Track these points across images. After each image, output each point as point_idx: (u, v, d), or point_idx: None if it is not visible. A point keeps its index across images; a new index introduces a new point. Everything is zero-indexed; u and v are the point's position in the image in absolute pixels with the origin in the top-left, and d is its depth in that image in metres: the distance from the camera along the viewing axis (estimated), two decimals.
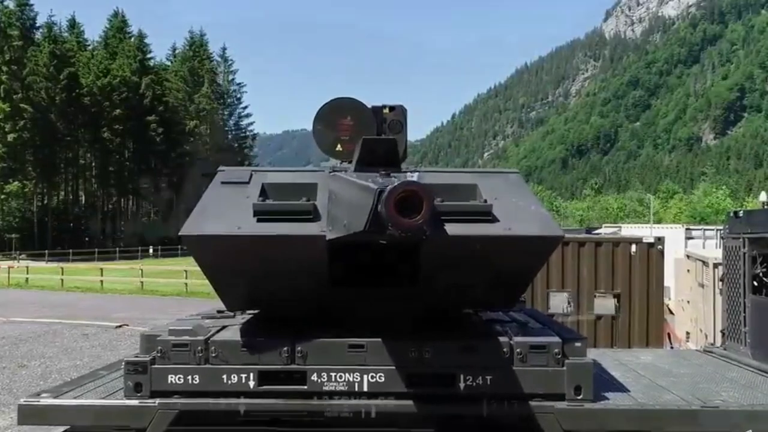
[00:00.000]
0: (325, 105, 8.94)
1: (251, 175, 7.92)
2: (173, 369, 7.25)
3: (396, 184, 5.55)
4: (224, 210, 7.34)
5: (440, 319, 7.99)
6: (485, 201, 7.43)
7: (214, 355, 7.28)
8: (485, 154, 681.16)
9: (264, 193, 7.63)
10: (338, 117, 8.76)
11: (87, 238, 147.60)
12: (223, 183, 7.82)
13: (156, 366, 7.24)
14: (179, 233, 7.08)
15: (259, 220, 7.21)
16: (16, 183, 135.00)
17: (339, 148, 8.67)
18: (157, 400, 7.15)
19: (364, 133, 8.24)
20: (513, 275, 7.55)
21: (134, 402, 7.17)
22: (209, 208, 7.42)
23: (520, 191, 7.79)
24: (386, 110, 8.90)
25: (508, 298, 7.86)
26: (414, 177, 6.60)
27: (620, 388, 8.08)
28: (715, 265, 20.15)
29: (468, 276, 7.43)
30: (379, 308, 7.66)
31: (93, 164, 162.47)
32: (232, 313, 8.56)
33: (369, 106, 8.92)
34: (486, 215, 7.25)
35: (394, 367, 7.21)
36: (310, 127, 8.51)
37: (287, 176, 7.96)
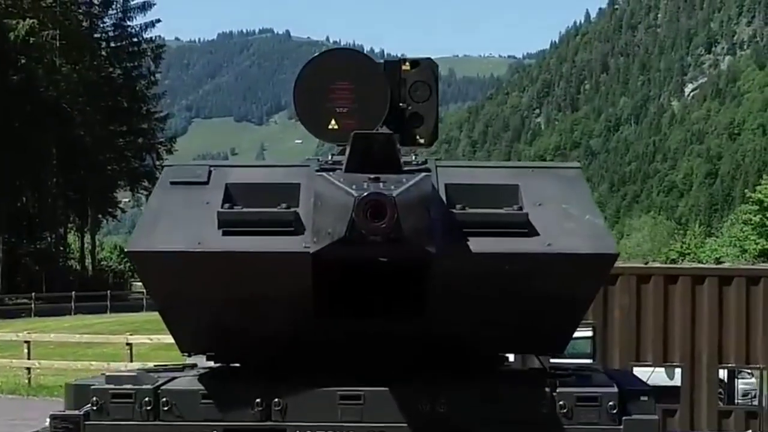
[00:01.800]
0: (311, 61, 7.36)
1: (210, 173, 6.66)
2: (113, 427, 6.34)
3: (365, 194, 5.59)
4: (180, 219, 6.38)
5: (458, 360, 6.89)
6: (520, 208, 6.39)
7: (166, 408, 6.38)
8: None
9: (229, 196, 6.48)
10: (332, 78, 7.17)
11: None
12: (173, 184, 6.64)
13: (91, 422, 6.33)
14: (126, 249, 6.36)
15: (225, 233, 6.28)
16: None
17: (334, 125, 7.17)
18: None
19: (372, 102, 7.11)
20: (554, 307, 6.52)
21: None
22: (161, 216, 6.45)
23: (576, 194, 6.63)
24: (406, 66, 7.34)
25: (548, 338, 6.88)
26: (416, 178, 5.90)
27: None
28: None
29: (492, 306, 6.49)
30: (378, 346, 6.67)
31: None
32: (186, 360, 7.53)
33: (380, 59, 7.45)
34: (520, 226, 6.27)
35: (399, 424, 6.32)
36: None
37: (260, 174, 6.81)
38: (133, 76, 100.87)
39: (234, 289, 6.41)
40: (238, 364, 7.16)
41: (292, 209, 6.34)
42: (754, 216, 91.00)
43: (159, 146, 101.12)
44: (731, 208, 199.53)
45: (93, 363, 31.79)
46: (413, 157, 6.85)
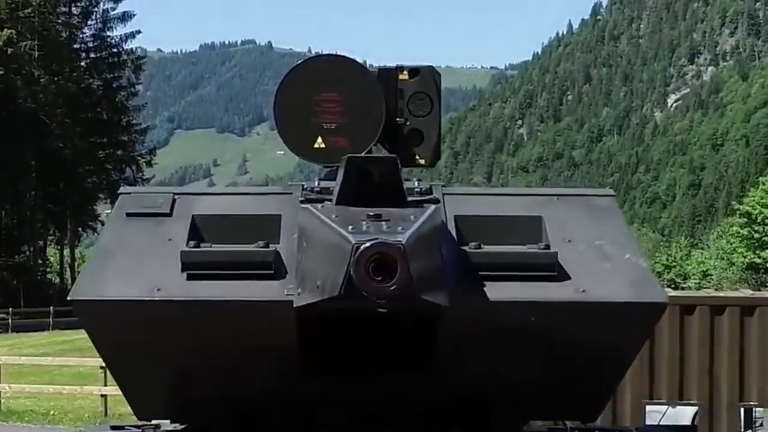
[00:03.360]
0: (294, 69, 6.37)
1: (173, 202, 5.74)
2: None
3: (368, 244, 4.42)
4: (136, 260, 5.44)
5: (470, 425, 5.83)
6: (547, 246, 5.46)
7: None
8: None
9: (196, 231, 5.56)
10: (318, 89, 6.19)
11: None
12: (129, 215, 5.70)
13: None
14: (68, 297, 5.28)
15: (190, 277, 5.33)
16: None
17: (320, 143, 6.22)
18: None
19: (365, 116, 6.19)
20: (589, 366, 5.55)
21: None
22: (114, 256, 5.50)
23: (612, 228, 5.69)
24: (404, 75, 6.39)
25: (581, 403, 5.83)
26: (427, 212, 4.89)
27: None
28: None
29: (514, 363, 5.51)
30: (376, 407, 5.75)
31: None
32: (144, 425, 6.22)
33: (373, 67, 6.53)
34: (547, 269, 5.32)
35: None
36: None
37: (232, 203, 5.86)
38: (113, 87, 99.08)
39: (202, 345, 5.45)
40: (207, 427, 6.07)
41: (272, 247, 5.38)
42: (742, 228, 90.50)
43: (139, 158, 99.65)
44: (714, 219, 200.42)
45: (66, 387, 31.02)
46: (415, 183, 5.86)
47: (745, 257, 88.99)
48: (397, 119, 6.32)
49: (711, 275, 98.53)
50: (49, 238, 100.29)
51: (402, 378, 5.68)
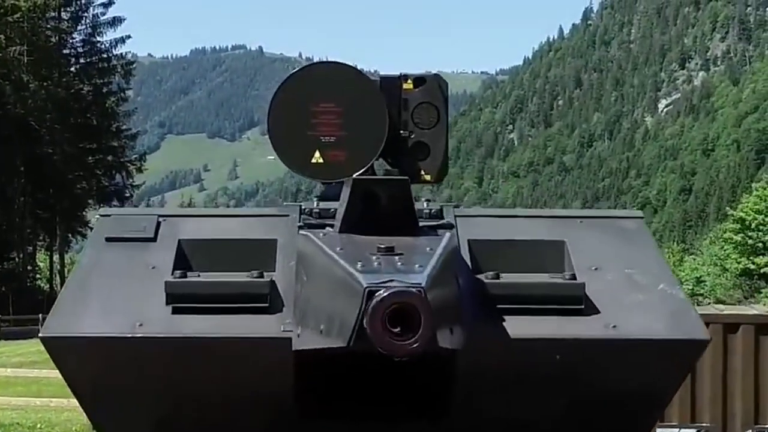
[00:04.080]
0: (290, 77, 5.88)
1: (158, 225, 5.28)
2: None
3: (384, 293, 3.81)
4: (116, 291, 4.94)
5: None
6: (573, 276, 4.98)
7: None
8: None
9: (182, 258, 5.11)
10: (316, 99, 5.69)
11: None
12: (109, 240, 5.22)
13: None
14: (39, 333, 4.84)
15: (175, 311, 4.82)
16: None
17: (318, 158, 5.72)
18: None
19: (366, 129, 5.71)
20: (620, 408, 4.99)
21: None
22: (91, 286, 4.98)
23: (642, 254, 5.22)
24: (408, 84, 5.87)
25: None
26: (443, 242, 4.49)
27: None
28: None
29: (538, 405, 4.97)
30: None
31: None
32: None
33: (375, 76, 5.95)
34: (573, 301, 4.82)
35: None
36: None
37: (223, 226, 5.38)
38: (103, 92, 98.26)
39: (188, 386, 4.91)
40: None
41: (266, 277, 4.88)
42: (735, 234, 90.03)
43: (129, 164, 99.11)
44: (706, 225, 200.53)
45: (53, 400, 30.58)
46: (424, 204, 5.37)
47: (738, 263, 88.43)
48: (401, 132, 5.84)
49: (704, 281, 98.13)
50: (39, 244, 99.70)
51: (411, 426, 5.18)
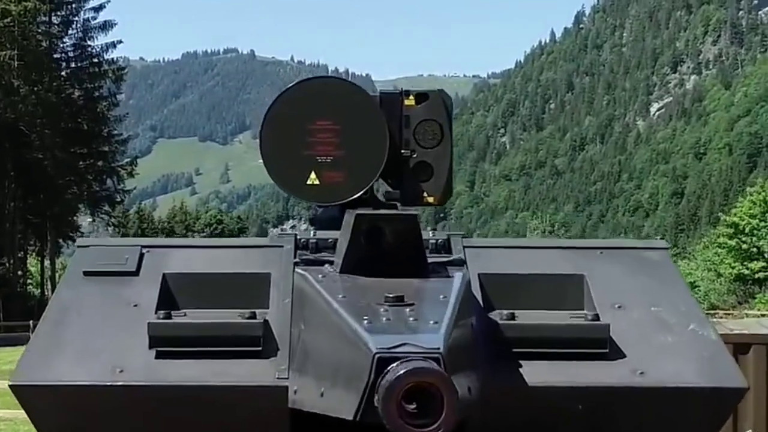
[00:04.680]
0: (283, 93, 5.46)
1: (141, 257, 4.84)
2: None
3: (400, 370, 3.38)
4: (94, 333, 4.49)
5: None
6: (596, 316, 4.51)
7: None
8: None
9: (167, 295, 4.67)
10: (312, 116, 5.27)
11: None
12: (87, 274, 4.76)
13: None
14: (9, 381, 4.36)
15: (159, 355, 4.39)
16: None
17: (314, 179, 5.30)
18: None
19: (365, 148, 5.30)
20: None
21: None
22: (65, 327, 4.52)
23: (669, 289, 4.76)
24: (410, 100, 5.46)
25: None
26: (456, 286, 4.14)
27: None
28: None
29: None
30: None
31: None
32: None
33: (374, 91, 5.57)
34: (597, 345, 4.41)
35: None
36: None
37: (211, 258, 4.91)
38: (94, 97, 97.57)
39: None
40: None
41: (259, 316, 4.46)
42: (729, 239, 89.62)
43: (120, 169, 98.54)
44: (698, 228, 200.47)
45: None
46: (429, 233, 4.93)
47: (733, 268, 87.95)
48: (403, 151, 5.43)
49: (698, 287, 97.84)
50: (29, 249, 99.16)
51: None
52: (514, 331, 4.40)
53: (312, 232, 4.97)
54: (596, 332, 4.41)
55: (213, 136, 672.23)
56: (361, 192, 5.30)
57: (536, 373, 4.33)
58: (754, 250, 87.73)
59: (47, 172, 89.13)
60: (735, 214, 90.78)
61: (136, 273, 4.76)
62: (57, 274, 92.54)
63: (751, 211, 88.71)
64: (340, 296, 4.02)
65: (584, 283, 4.71)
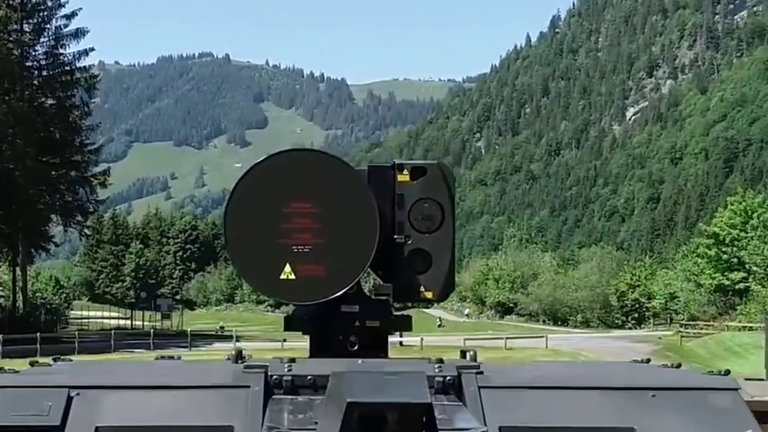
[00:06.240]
0: (253, 168, 4.52)
1: (69, 402, 3.60)
2: None
3: None
4: None
5: None
6: None
7: None
8: None
9: None
10: (286, 198, 4.39)
11: None
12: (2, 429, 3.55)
13: None
14: None
15: None
16: None
17: (288, 273, 4.37)
18: None
19: (350, 234, 4.43)
20: None
21: None
22: None
23: None
24: (404, 175, 4.67)
25: None
26: None
27: None
28: None
29: None
30: None
31: None
32: None
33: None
34: None
35: None
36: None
37: (159, 404, 3.65)
38: (66, 106, 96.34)
39: None
40: None
41: None
42: (709, 249, 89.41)
43: (92, 179, 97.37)
44: (674, 234, 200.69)
45: None
46: (435, 368, 3.79)
47: (713, 279, 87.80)
48: (396, 237, 4.58)
49: (678, 297, 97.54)
50: (0, 259, 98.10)
51: None
52: None
53: (287, 366, 3.79)
54: None
55: (188, 140, 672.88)
56: (345, 289, 4.36)
57: None
58: (735, 260, 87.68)
59: (18, 182, 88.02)
60: (715, 225, 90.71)
61: (60, 427, 3.54)
62: (31, 282, 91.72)
63: (732, 221, 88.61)
64: None
65: None
